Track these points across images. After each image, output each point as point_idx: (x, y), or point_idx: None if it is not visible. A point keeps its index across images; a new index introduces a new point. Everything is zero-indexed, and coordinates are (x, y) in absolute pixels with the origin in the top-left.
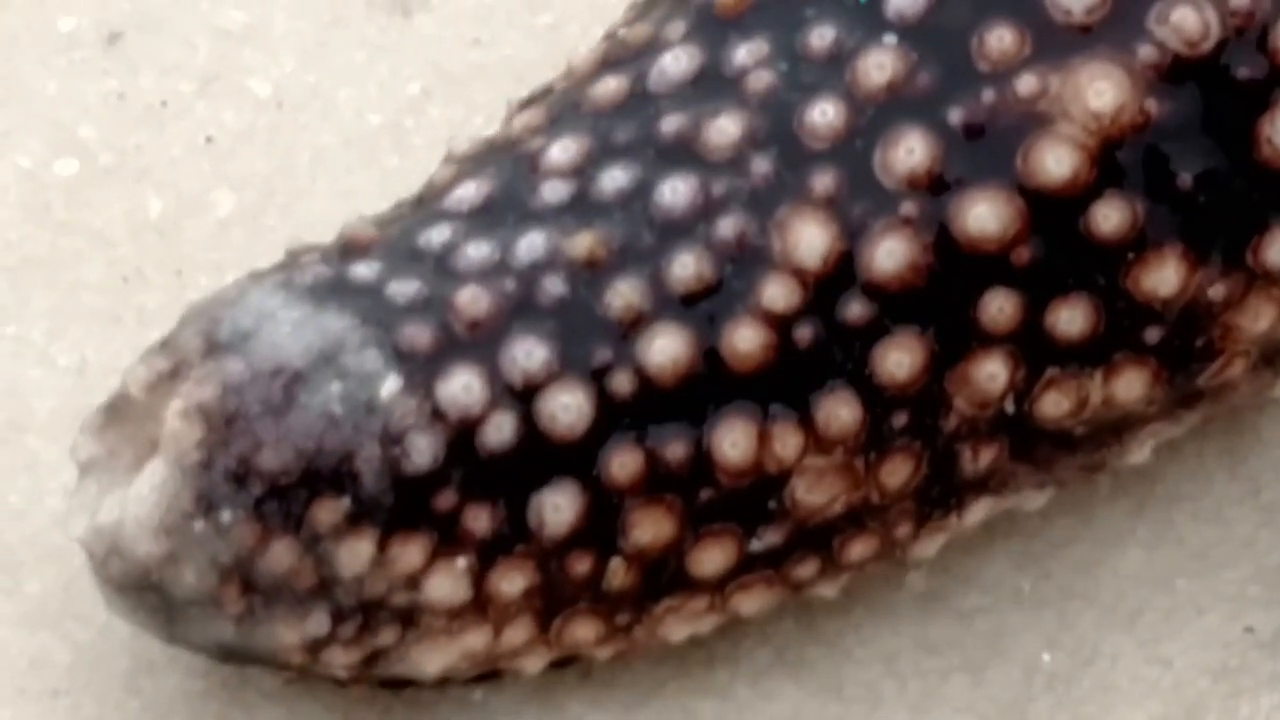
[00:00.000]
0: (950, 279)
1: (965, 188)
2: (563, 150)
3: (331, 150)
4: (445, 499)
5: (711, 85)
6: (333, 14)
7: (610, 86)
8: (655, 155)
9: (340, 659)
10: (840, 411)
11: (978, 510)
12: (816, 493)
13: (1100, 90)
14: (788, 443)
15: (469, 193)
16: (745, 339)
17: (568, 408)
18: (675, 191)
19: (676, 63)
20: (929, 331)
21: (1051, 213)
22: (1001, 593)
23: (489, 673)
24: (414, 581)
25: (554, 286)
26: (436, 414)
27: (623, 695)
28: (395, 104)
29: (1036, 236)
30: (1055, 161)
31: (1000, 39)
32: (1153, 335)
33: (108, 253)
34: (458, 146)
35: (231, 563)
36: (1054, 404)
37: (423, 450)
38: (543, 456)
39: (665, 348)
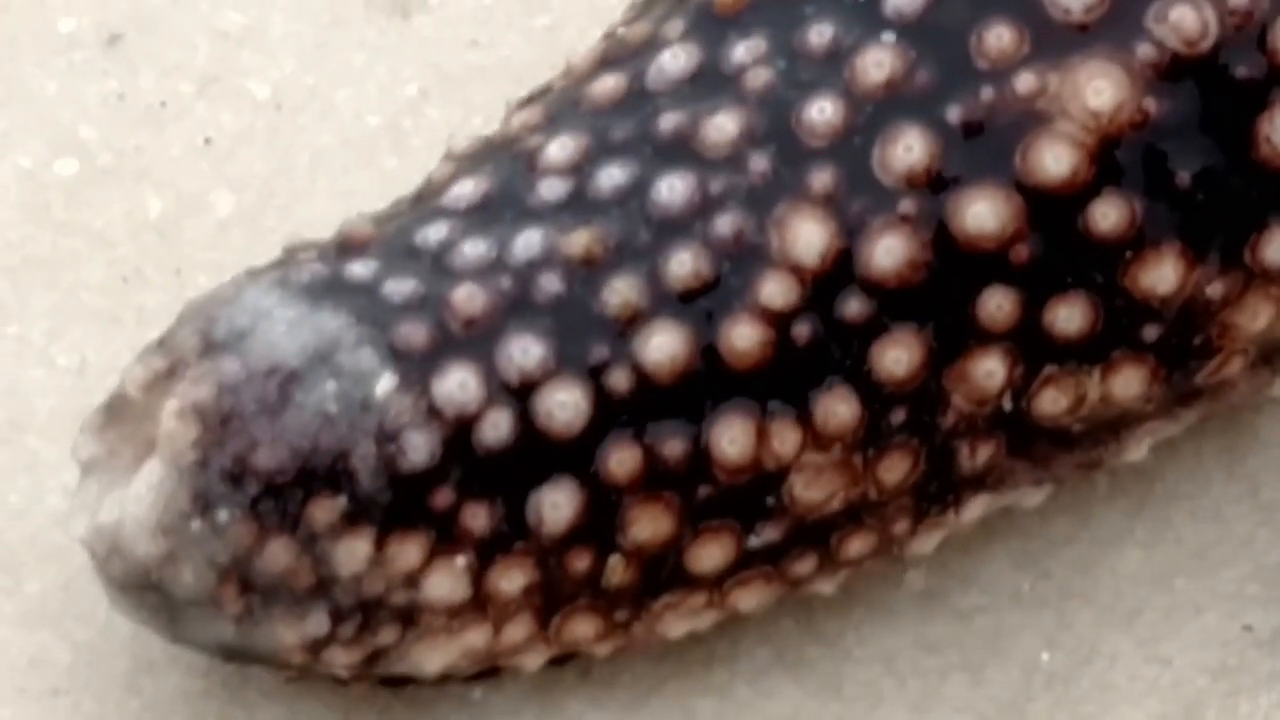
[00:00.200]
0: (949, 276)
1: (964, 186)
2: (560, 148)
3: (330, 151)
4: (443, 497)
5: (710, 83)
6: (332, 15)
7: (608, 85)
8: (653, 153)
9: (341, 658)
10: (838, 408)
11: (975, 507)
12: (815, 489)
13: (1099, 89)
14: (786, 439)
15: (467, 190)
16: (743, 336)
17: (565, 405)
18: (673, 189)
19: (675, 60)
20: (927, 329)
21: (1050, 211)
22: (1000, 592)
23: (488, 670)
24: (413, 580)
25: (551, 284)
26: (432, 412)
27: (622, 694)
28: (394, 105)
29: (1035, 234)
30: (1054, 160)
31: (999, 37)
32: (1151, 333)
33: (107, 253)
34: (457, 145)
35: (229, 562)
36: (1052, 401)
37: (419, 448)
38: (541, 454)
39: (663, 345)
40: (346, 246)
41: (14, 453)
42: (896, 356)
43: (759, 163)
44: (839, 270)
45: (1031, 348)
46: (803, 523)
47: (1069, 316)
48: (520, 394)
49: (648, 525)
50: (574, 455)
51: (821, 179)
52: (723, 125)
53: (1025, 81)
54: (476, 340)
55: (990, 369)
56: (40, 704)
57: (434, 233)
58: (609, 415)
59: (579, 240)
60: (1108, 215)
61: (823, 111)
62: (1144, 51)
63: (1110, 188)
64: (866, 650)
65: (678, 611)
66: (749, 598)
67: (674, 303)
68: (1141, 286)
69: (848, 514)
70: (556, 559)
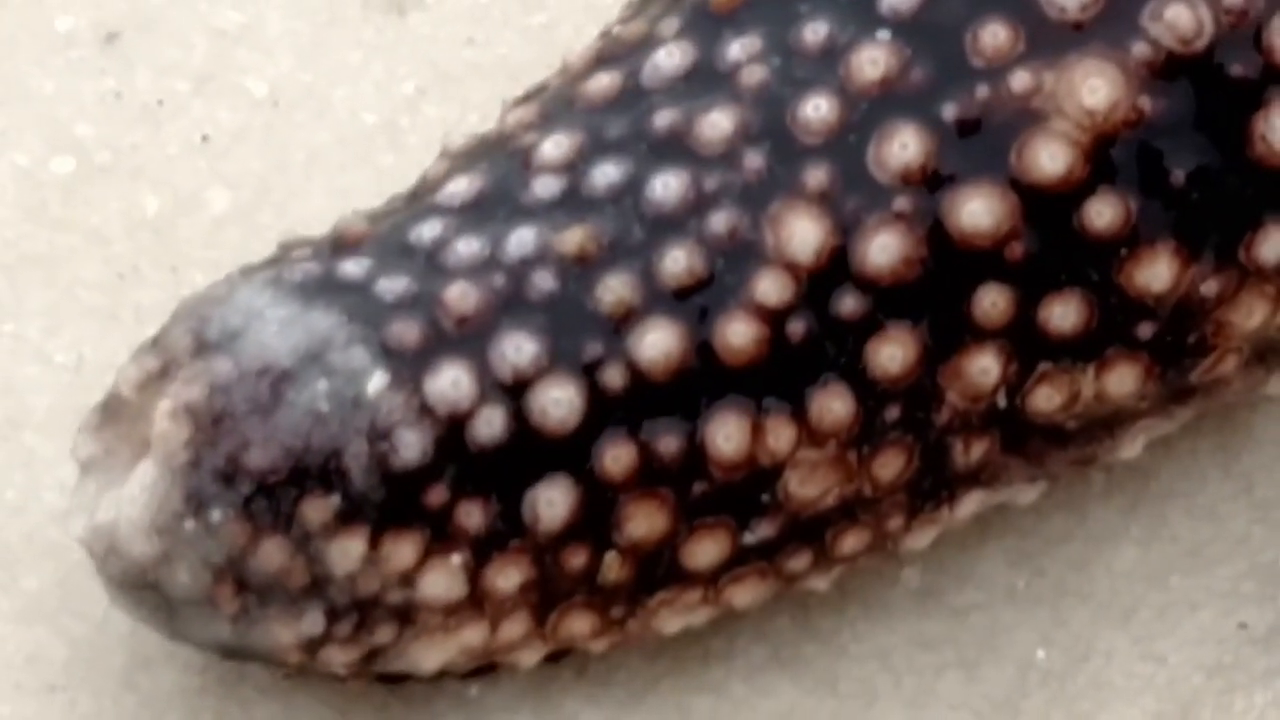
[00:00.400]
0: (943, 274)
1: (959, 183)
2: (555, 146)
3: (326, 149)
4: (436, 495)
5: (705, 81)
6: (328, 14)
7: (604, 83)
8: (647, 150)
9: (338, 657)
10: (833, 405)
11: (969, 503)
12: (809, 486)
13: (1094, 87)
14: (781, 436)
15: (461, 188)
16: (738, 333)
17: (559, 402)
18: (667, 186)
19: (670, 58)
20: (922, 326)
21: (1045, 209)
22: (996, 590)
23: (485, 667)
24: (408, 579)
25: (544, 282)
26: (425, 409)
27: (618, 692)
28: (390, 103)
29: (1030, 232)
30: (1049, 158)
31: (994, 35)
32: (1145, 331)
33: (104, 250)
34: (452, 142)
35: (223, 562)
36: (1046, 398)
37: (411, 445)
38: (535, 451)
39: (657, 342)
40: (340, 244)
41: (11, 450)
42: (891, 353)
43: (754, 160)
44: (834, 267)
45: (1026, 345)
46: (797, 519)
47: (1064, 314)
48: (514, 391)
49: (643, 522)
50: (569, 452)
51: (816, 176)
52: (717, 123)
53: (1020, 80)
54: (469, 338)
55: (985, 366)
56: (37, 700)
57: (428, 230)
58: (604, 412)
59: (572, 238)
60: (1103, 213)
61: (818, 109)
62: (1139, 50)
63: (1105, 186)
64: (862, 647)
65: (673, 608)
66: (744, 594)
67: (669, 300)
68: (1136, 284)
69: (842, 510)
70: (552, 556)
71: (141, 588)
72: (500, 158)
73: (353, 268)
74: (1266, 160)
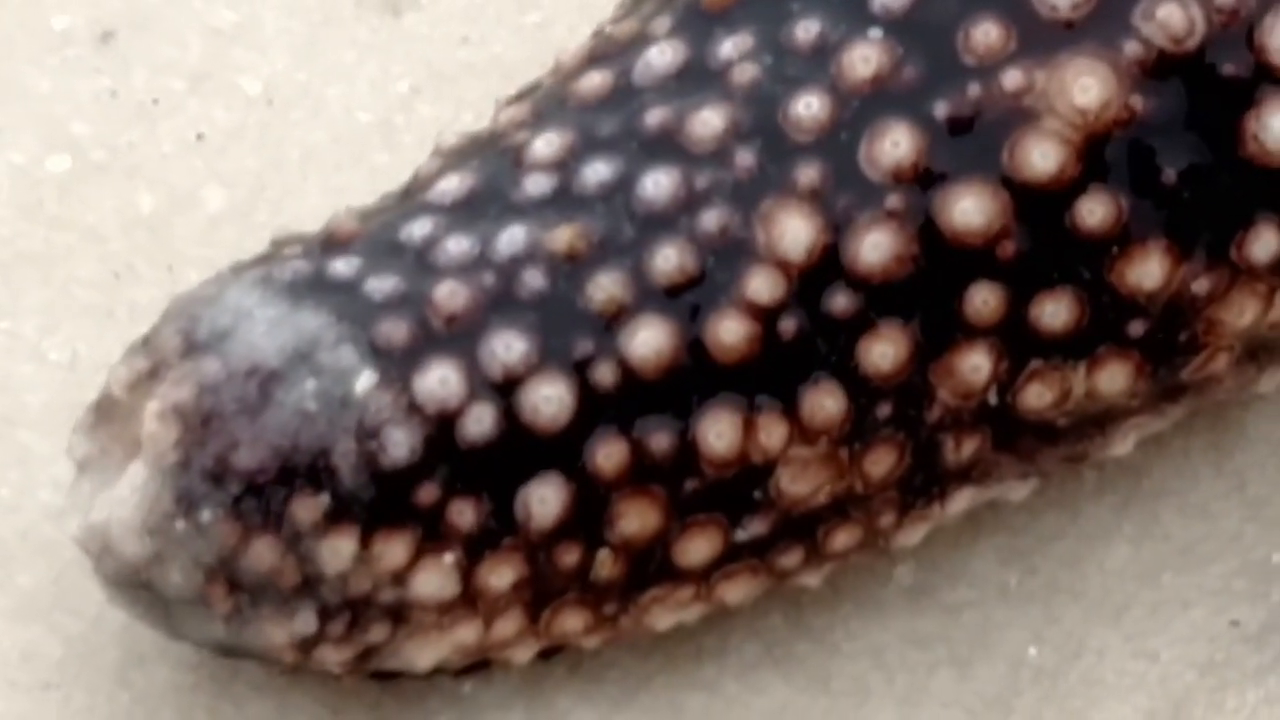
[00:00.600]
0: (935, 272)
1: (951, 182)
2: (547, 144)
3: (321, 147)
4: (427, 493)
5: (696, 79)
6: (323, 13)
7: (595, 81)
8: (639, 148)
9: (332, 656)
10: (825, 402)
11: (960, 500)
12: (801, 483)
13: (1086, 86)
14: (773, 433)
15: (452, 186)
16: (729, 331)
17: (549, 399)
18: (657, 184)
19: (662, 56)
20: (913, 323)
21: (1037, 207)
22: (988, 587)
23: (478, 663)
24: (400, 578)
25: (534, 280)
26: (413, 408)
27: (611, 689)
28: (385, 102)
29: (1021, 230)
30: (1041, 156)
31: (986, 34)
32: (1136, 329)
33: (100, 248)
34: (445, 140)
35: (215, 562)
36: (1037, 396)
37: (399, 443)
38: (527, 449)
39: (648, 340)
40: (331, 242)
41: (5, 447)
42: (883, 351)
43: (745, 158)
44: (825, 265)
45: (1017, 343)
46: (789, 516)
47: (1055, 312)
48: (504, 389)
49: (635, 519)
50: (561, 450)
51: (808, 174)
52: (709, 120)
53: (1012, 78)
54: (459, 336)
55: (976, 364)
56: (31, 697)
57: (418, 229)
58: (595, 410)
59: (562, 236)
60: (1094, 212)
61: (809, 107)
62: (1131, 49)
63: (1097, 184)
64: (855, 645)
65: (665, 604)
66: (736, 590)
67: (660, 298)
68: (1128, 282)
69: (834, 507)
70: (545, 554)
71: (136, 587)
72: (492, 156)
73: (342, 266)
74: (1258, 159)
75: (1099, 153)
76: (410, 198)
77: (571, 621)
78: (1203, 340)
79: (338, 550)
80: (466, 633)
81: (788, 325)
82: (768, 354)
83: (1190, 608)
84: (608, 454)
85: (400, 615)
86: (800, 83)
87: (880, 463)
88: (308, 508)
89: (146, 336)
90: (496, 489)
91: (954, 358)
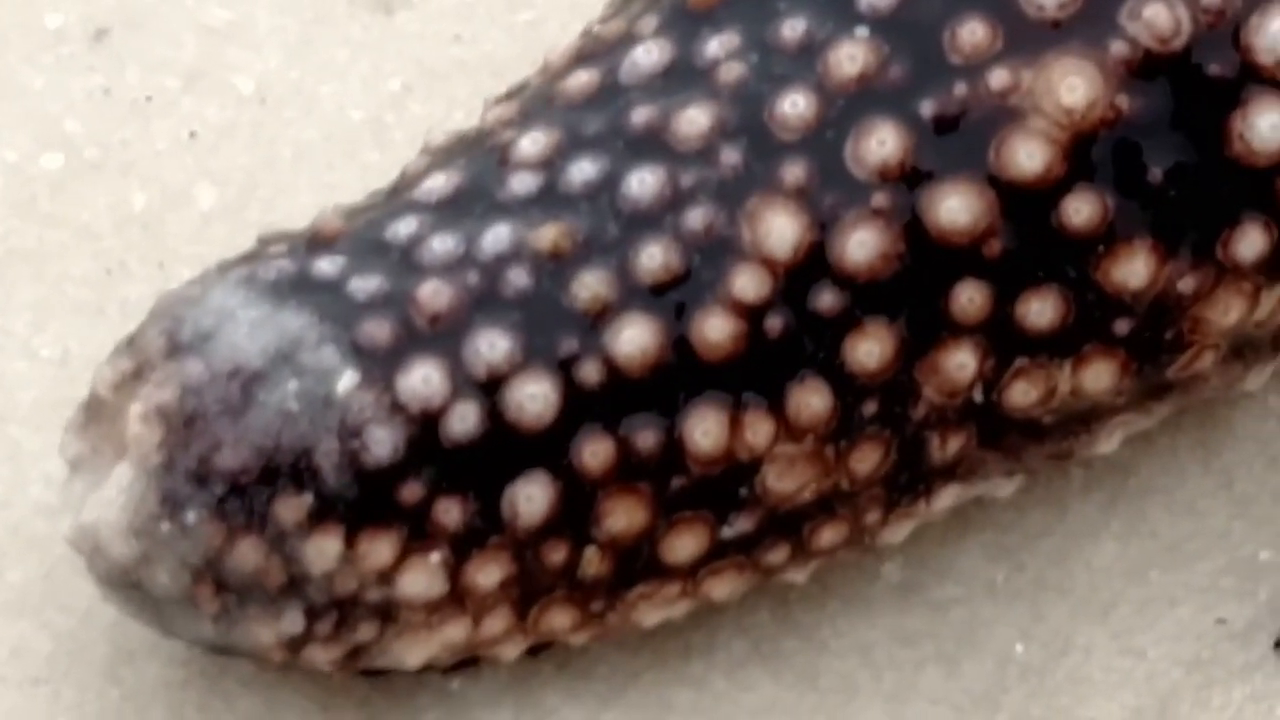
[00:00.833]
0: (921, 270)
1: (937, 180)
2: (532, 143)
3: (313, 145)
4: (412, 492)
5: (682, 77)
6: (315, 11)
7: (582, 80)
8: (624, 147)
9: (321, 655)
10: (811, 400)
11: (946, 497)
12: (787, 480)
13: (1072, 85)
14: (759, 431)
15: (438, 184)
16: (715, 329)
17: (534, 398)
18: (643, 183)
19: (648, 55)
20: (899, 321)
21: (1023, 206)
22: (975, 585)
23: (466, 660)
24: (386, 577)
25: (518, 279)
26: (396, 407)
27: (599, 686)
28: (377, 100)
29: (1007, 229)
30: (1027, 155)
31: (972, 32)
32: (1122, 327)
33: (92, 246)
34: (434, 138)
35: (201, 563)
36: (1022, 393)
37: (382, 442)
38: (512, 447)
39: (634, 338)
40: (316, 241)
41: None
42: (869, 349)
43: (730, 156)
44: (811, 263)
45: (1003, 341)
46: (775, 513)
47: (1040, 310)
48: (488, 388)
49: (622, 517)
50: (547, 448)
51: (794, 172)
52: (694, 119)
53: (999, 77)
54: (442, 335)
55: (962, 361)
56: (20, 693)
57: (404, 227)
58: (581, 408)
59: (546, 235)
60: (1080, 210)
61: (795, 105)
62: (1117, 48)
63: (1083, 183)
64: (843, 642)
65: (652, 601)
66: (722, 587)
67: (645, 296)
68: (1113, 281)
69: (820, 504)
70: (533, 552)
71: (128, 587)
72: (478, 155)
73: (326, 266)
74: (1244, 159)
75: (1085, 152)
76: (397, 196)
77: (559, 619)
78: (1188, 339)
79: (322, 550)
80: (455, 631)
81: (774, 323)
82: (754, 352)
83: (1177, 605)
84: (594, 452)
85: (388, 614)
86: (786, 81)
87: (866, 460)
88: (291, 508)
89: (131, 337)
90: (483, 487)
91: (940, 355)
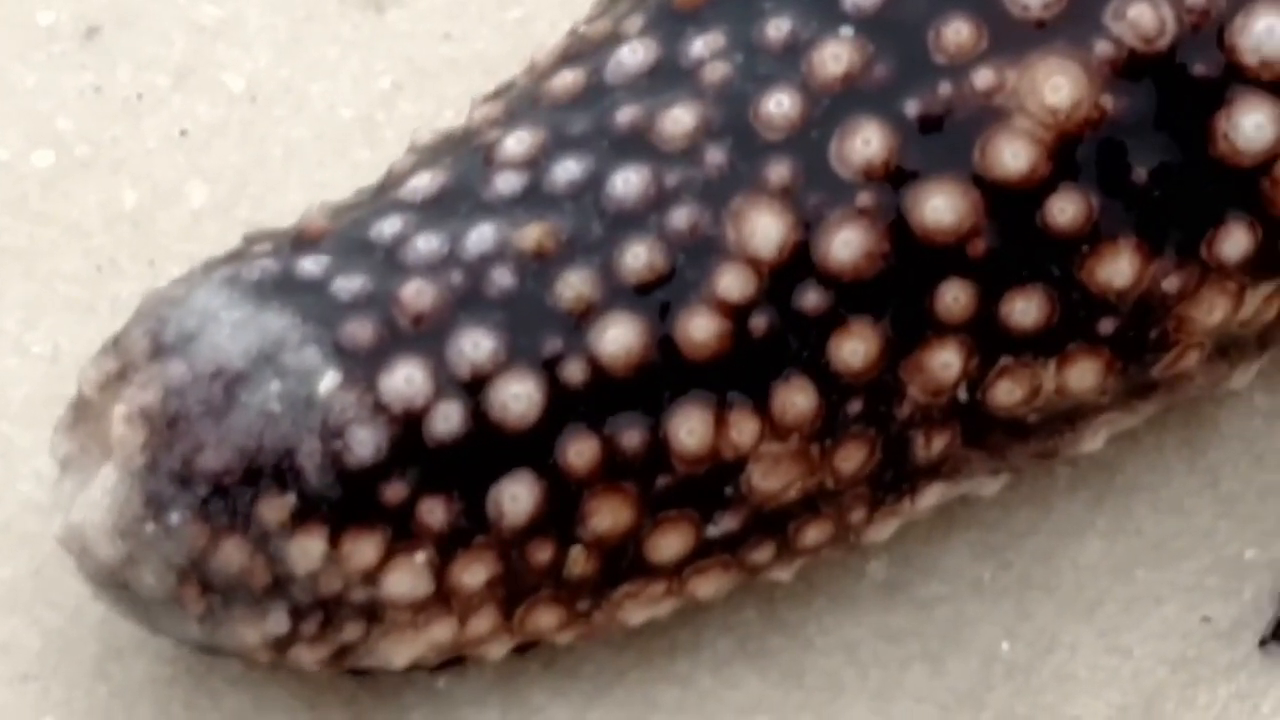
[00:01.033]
0: (906, 269)
1: (922, 179)
2: (518, 142)
3: (304, 143)
4: (395, 492)
5: (668, 77)
6: (306, 9)
7: (567, 80)
8: (609, 146)
9: (307, 655)
10: (796, 399)
11: (930, 495)
12: (772, 479)
13: (1057, 85)
14: (744, 430)
15: (423, 183)
16: (700, 328)
17: (518, 397)
18: (628, 182)
19: (634, 55)
20: (884, 320)
21: (1008, 205)
22: (961, 583)
23: (452, 659)
24: (371, 577)
25: (503, 278)
26: (379, 407)
27: (585, 684)
28: (367, 98)
29: (992, 228)
30: (1012, 155)
31: (957, 32)
32: (1106, 326)
33: (83, 243)
34: (420, 137)
35: (186, 563)
36: (1007, 392)
37: (364, 442)
38: (497, 447)
39: (618, 337)
40: (301, 240)
41: None
42: (854, 348)
43: (715, 156)
44: (796, 262)
45: (987, 340)
46: (760, 512)
47: (1025, 309)
48: (472, 388)
49: (608, 516)
50: (532, 448)
51: (779, 172)
52: (679, 118)
53: (983, 77)
54: (426, 335)
55: (946, 360)
56: (9, 689)
57: (388, 226)
58: (565, 407)
59: (530, 234)
60: (1065, 210)
61: (780, 105)
62: (1102, 49)
63: (1068, 183)
64: (828, 640)
65: (637, 600)
66: (707, 585)
67: (629, 295)
68: (1098, 280)
69: (805, 503)
70: (518, 551)
71: (115, 587)
72: (464, 154)
73: (310, 265)
74: (1228, 158)
75: (1070, 151)
76: (383, 194)
77: (545, 618)
78: (1173, 338)
79: (306, 550)
80: (441, 631)
81: (758, 322)
82: (738, 351)
83: (1163, 603)
84: (579, 451)
85: (374, 614)
86: (771, 81)
87: (851, 459)
88: (274, 508)
89: (116, 337)
90: (467, 487)
91: (924, 354)
